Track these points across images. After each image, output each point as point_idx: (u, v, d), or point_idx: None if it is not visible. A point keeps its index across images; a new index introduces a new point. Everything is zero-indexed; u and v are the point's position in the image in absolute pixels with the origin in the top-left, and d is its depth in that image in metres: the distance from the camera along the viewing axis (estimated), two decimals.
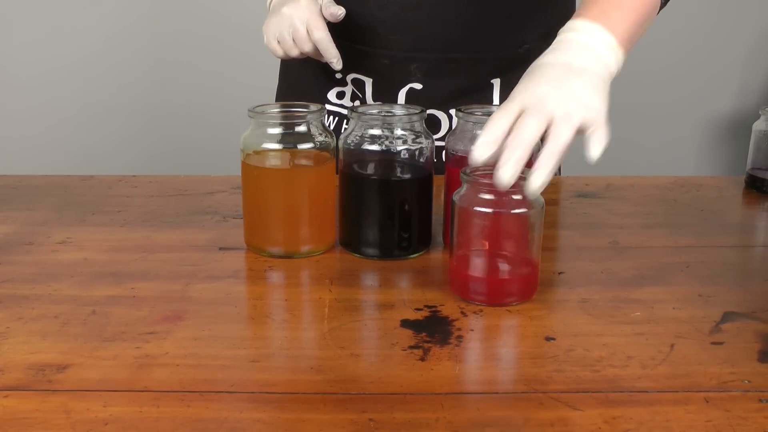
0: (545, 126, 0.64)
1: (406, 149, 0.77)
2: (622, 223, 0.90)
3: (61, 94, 2.04)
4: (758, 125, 1.02)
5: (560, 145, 0.64)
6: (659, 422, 0.51)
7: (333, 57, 0.95)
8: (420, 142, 0.77)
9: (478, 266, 0.70)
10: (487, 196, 0.67)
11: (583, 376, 0.57)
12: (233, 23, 1.98)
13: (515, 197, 0.67)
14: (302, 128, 0.79)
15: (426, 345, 0.61)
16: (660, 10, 0.80)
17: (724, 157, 2.19)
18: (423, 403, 0.54)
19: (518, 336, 0.64)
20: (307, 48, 0.94)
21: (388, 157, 0.77)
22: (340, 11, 0.94)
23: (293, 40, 0.95)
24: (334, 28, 1.00)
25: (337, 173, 0.80)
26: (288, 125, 0.79)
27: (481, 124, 0.77)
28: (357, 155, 0.77)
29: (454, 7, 0.96)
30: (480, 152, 0.64)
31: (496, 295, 0.68)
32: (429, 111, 1.02)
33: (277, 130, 0.79)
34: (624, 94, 2.09)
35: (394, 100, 1.02)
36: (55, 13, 1.99)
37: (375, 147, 0.76)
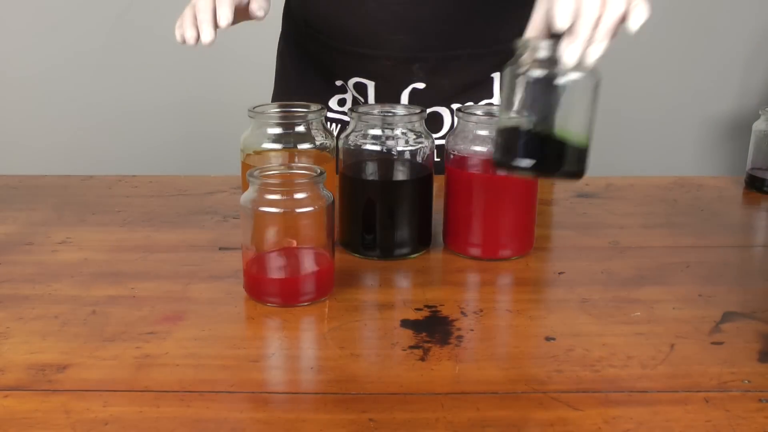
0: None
1: (406, 149, 0.77)
2: (622, 223, 0.90)
3: (61, 94, 2.04)
4: (758, 125, 1.02)
5: (617, 16, 0.66)
6: (659, 422, 0.51)
7: (220, 14, 0.78)
8: (420, 142, 0.77)
9: (269, 268, 0.69)
10: (274, 197, 0.66)
11: (583, 376, 0.57)
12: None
13: (299, 196, 0.67)
14: (302, 128, 0.79)
15: (426, 345, 0.61)
16: None
17: (724, 157, 2.19)
18: (423, 403, 0.54)
19: (518, 336, 0.64)
20: (204, 2, 0.79)
21: (388, 157, 0.77)
22: (259, 12, 0.84)
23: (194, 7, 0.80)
24: (331, 32, 0.99)
25: (337, 173, 0.80)
26: (288, 125, 0.79)
27: (481, 124, 0.77)
28: (357, 155, 0.77)
29: (455, 2, 0.96)
30: (564, 20, 0.65)
31: (287, 296, 0.68)
32: (432, 108, 1.02)
33: (277, 130, 0.79)
34: (624, 94, 2.09)
35: (398, 101, 1.02)
36: (54, 13, 1.99)
37: (375, 147, 0.76)
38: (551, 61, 0.66)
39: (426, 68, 1.00)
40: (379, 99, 1.03)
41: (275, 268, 0.69)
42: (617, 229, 0.87)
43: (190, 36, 0.78)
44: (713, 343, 0.62)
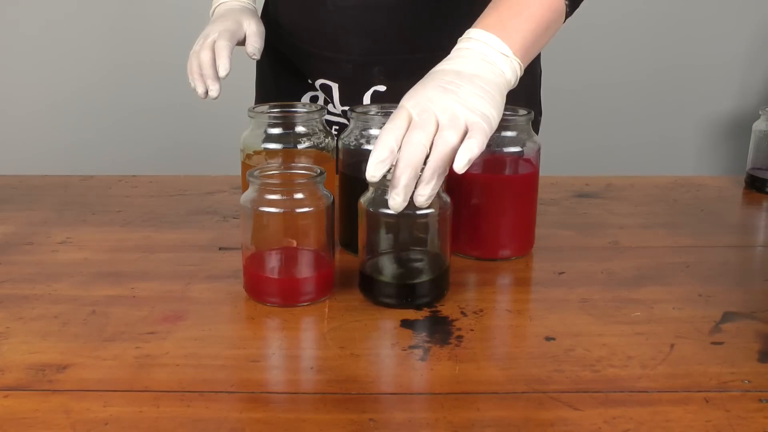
0: (433, 134, 0.64)
1: None
2: (622, 223, 0.90)
3: (61, 94, 2.04)
4: (758, 125, 1.02)
5: (444, 153, 0.64)
6: (659, 422, 0.51)
7: (219, 64, 0.89)
8: None
9: (269, 268, 0.69)
10: (274, 197, 0.67)
11: (583, 376, 0.57)
12: None
13: (299, 196, 0.67)
14: (302, 128, 0.79)
15: (426, 345, 0.61)
16: (566, 18, 0.79)
17: (724, 157, 2.19)
18: (423, 403, 0.54)
19: (518, 336, 0.64)
20: (203, 55, 0.89)
21: None
22: (254, 56, 0.95)
23: (199, 47, 0.92)
24: (298, 35, 1.01)
25: (337, 173, 0.80)
26: (288, 125, 0.79)
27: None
28: (356, 155, 0.77)
29: (411, 7, 0.95)
30: (374, 172, 0.63)
31: (287, 296, 0.68)
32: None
33: (277, 130, 0.79)
34: (624, 94, 2.09)
35: (360, 104, 1.02)
36: (54, 13, 1.99)
37: None
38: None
39: (385, 71, 1.00)
40: (344, 101, 1.03)
41: (275, 268, 0.70)
42: (617, 229, 0.88)
43: (200, 92, 0.89)
44: (713, 343, 0.62)
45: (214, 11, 1.02)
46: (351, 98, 1.02)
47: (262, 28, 0.97)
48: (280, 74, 1.09)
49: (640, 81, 2.10)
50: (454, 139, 0.64)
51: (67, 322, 0.65)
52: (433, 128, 0.65)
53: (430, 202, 0.64)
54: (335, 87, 1.03)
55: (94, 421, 0.51)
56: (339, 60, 1.00)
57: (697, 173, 2.17)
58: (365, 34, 0.98)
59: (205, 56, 0.89)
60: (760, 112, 1.02)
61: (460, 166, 0.63)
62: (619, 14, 2.04)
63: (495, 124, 0.67)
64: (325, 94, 1.05)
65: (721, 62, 2.12)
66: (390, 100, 1.00)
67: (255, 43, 0.95)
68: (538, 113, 1.12)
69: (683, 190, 1.02)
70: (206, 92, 0.89)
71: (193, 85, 0.90)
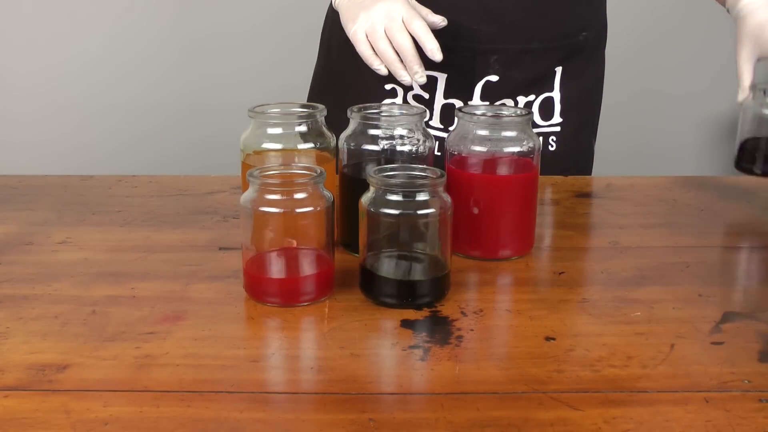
0: None
1: (406, 149, 0.77)
2: (622, 223, 0.90)
3: (61, 94, 2.04)
4: (748, 104, 0.98)
5: None
6: (659, 422, 0.51)
7: (433, 46, 0.88)
8: (420, 142, 0.77)
9: (269, 268, 0.69)
10: (274, 197, 0.67)
11: (583, 376, 0.57)
12: (233, 23, 1.98)
13: (299, 196, 0.67)
14: (302, 128, 0.79)
15: (426, 345, 0.61)
16: None
17: (724, 157, 2.19)
18: (423, 403, 0.54)
19: (518, 336, 0.64)
20: (401, 38, 0.88)
21: (388, 157, 0.77)
22: (443, 21, 0.92)
23: (385, 31, 0.89)
24: None
25: (337, 173, 0.80)
26: (288, 125, 0.79)
27: (481, 124, 0.77)
28: (357, 155, 0.77)
29: None
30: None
31: (287, 296, 0.68)
32: (500, 101, 1.03)
33: (277, 130, 0.79)
34: (624, 94, 2.09)
35: (470, 95, 1.02)
36: (55, 14, 1.99)
37: (375, 147, 0.76)
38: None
39: (502, 61, 1.01)
40: (449, 92, 1.02)
41: (275, 268, 0.70)
42: (617, 229, 0.87)
43: (406, 81, 0.89)
44: (713, 343, 0.62)
45: None
46: (459, 89, 1.02)
47: None
48: (363, 75, 1.02)
49: (640, 81, 2.10)
50: None
51: (67, 322, 0.65)
52: None
53: None
54: (442, 78, 1.01)
55: (94, 421, 0.51)
56: (457, 48, 0.98)
57: (697, 173, 2.17)
58: (490, 20, 0.98)
59: (405, 39, 0.87)
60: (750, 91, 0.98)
61: None
62: (619, 14, 2.04)
63: None
64: (423, 87, 1.03)
65: (721, 62, 2.12)
66: (499, 90, 1.02)
67: (440, 19, 0.92)
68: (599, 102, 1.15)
69: (683, 190, 1.02)
70: (410, 81, 0.88)
71: (383, 71, 0.89)
